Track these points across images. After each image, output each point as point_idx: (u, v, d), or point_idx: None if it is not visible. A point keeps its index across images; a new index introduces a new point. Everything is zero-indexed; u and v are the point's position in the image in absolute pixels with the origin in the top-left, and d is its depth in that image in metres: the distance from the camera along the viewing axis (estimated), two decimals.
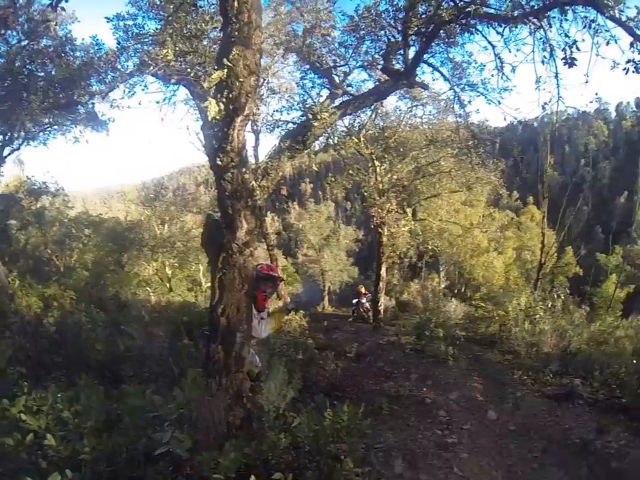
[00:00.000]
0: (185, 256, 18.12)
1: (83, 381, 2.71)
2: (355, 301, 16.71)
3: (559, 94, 4.71)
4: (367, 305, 15.63)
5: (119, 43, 6.03)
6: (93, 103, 6.82)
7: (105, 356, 5.47)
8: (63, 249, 13.97)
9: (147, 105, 5.23)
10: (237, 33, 3.08)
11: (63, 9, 4.22)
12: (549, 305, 8.93)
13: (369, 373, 7.57)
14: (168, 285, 17.44)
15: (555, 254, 21.11)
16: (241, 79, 3.10)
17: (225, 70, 3.03)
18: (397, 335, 10.57)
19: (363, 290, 16.37)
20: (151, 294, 14.88)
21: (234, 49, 3.03)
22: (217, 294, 3.58)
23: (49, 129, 9.20)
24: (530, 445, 4.88)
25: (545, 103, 4.87)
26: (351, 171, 13.36)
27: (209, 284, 15.83)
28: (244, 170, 3.47)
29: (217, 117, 3.08)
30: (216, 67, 3.21)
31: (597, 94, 4.81)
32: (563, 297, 9.38)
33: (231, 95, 3.11)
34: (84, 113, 7.89)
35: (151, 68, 4.36)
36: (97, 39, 6.53)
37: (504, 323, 9.69)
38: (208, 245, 3.78)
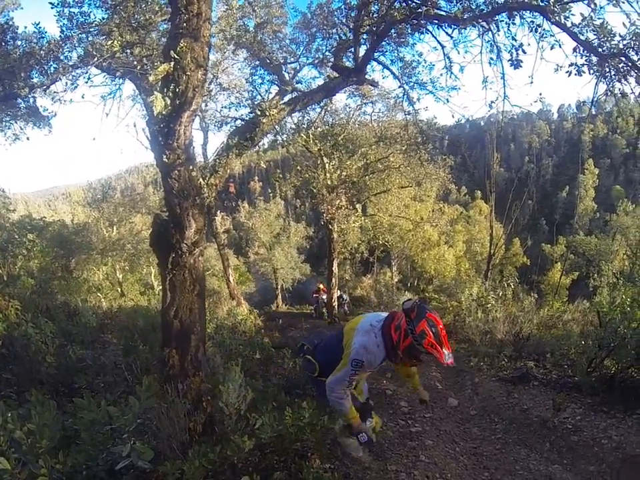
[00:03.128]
0: (135, 259, 17.38)
1: (33, 397, 2.50)
2: (315, 296, 16.71)
3: (505, 93, 4.93)
4: (341, 300, 15.59)
5: (62, 32, 5.62)
6: (34, 97, 6.32)
7: (57, 368, 5.17)
8: (5, 256, 12.94)
9: (90, 99, 4.93)
10: (185, 25, 2.96)
11: None
12: (500, 294, 9.35)
13: None
14: (119, 289, 16.67)
15: (503, 245, 22.15)
16: (188, 73, 2.98)
17: (172, 63, 2.90)
18: None
19: (322, 286, 16.37)
20: (102, 300, 14.12)
21: (182, 41, 2.91)
22: (169, 296, 3.46)
23: None
24: (492, 427, 5.10)
25: (492, 102, 5.08)
26: (299, 168, 13.36)
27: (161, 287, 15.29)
28: (191, 167, 3.35)
29: (163, 112, 2.95)
30: (162, 60, 3.06)
31: (540, 94, 5.04)
32: (513, 286, 9.86)
33: (177, 89, 2.99)
34: (24, 108, 7.33)
35: (95, 59, 4.09)
36: (40, 27, 6.02)
37: (457, 313, 10.02)
38: (157, 246, 3.62)
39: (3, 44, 6.45)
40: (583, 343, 6.33)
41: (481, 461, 4.32)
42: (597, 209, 74.33)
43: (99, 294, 14.79)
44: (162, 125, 3.05)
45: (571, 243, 33.64)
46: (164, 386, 2.97)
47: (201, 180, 3.38)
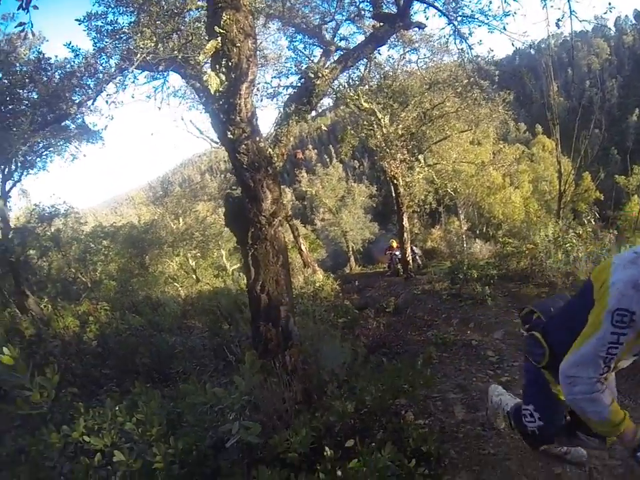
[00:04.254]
0: (205, 245, 18.24)
1: (137, 388, 2.67)
2: (389, 253, 16.52)
3: (570, 8, 4.40)
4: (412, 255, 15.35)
5: (95, 45, 5.78)
6: (82, 114, 6.65)
7: (150, 358, 5.51)
8: (86, 265, 14.17)
9: (139, 97, 5.06)
10: None
11: (32, 33, 4.00)
12: (580, 231, 8.74)
13: (410, 325, 7.52)
14: (194, 276, 17.63)
15: (573, 181, 20.53)
16: (238, 44, 2.92)
17: (219, 38, 2.85)
18: (430, 282, 10.49)
19: (394, 243, 15.99)
20: (180, 288, 15.06)
21: (224, 14, 2.84)
22: (253, 271, 3.50)
23: (44, 152, 9.07)
24: None
25: (559, 20, 4.56)
26: (352, 129, 13.04)
27: (235, 267, 15.87)
28: (258, 139, 3.33)
29: (220, 89, 2.92)
30: (208, 38, 3.01)
31: (610, 3, 4.46)
32: (593, 222, 9.17)
33: (230, 63, 2.94)
34: (75, 128, 7.77)
35: (135, 60, 4.15)
36: (73, 46, 6.23)
37: (534, 256, 9.51)
38: (234, 223, 3.67)
39: (42, 72, 6.77)
40: None
41: None
42: None
43: (175, 284, 15.79)
44: (221, 102, 3.04)
45: None
46: (262, 361, 3.07)
47: (269, 150, 3.35)
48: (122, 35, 5.44)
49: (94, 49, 5.84)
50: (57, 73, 6.74)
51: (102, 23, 5.61)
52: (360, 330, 6.68)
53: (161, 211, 18.18)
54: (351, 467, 2.18)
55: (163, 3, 4.70)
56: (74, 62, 6.40)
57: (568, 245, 8.42)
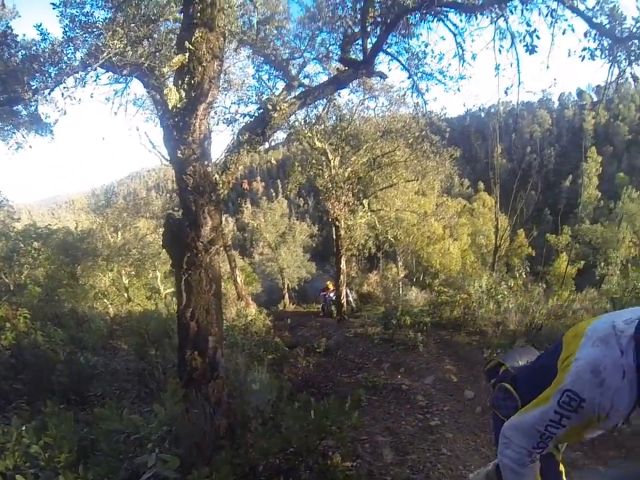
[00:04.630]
0: (141, 263, 17.39)
1: (49, 408, 2.41)
2: (322, 294, 16.58)
3: (519, 80, 4.87)
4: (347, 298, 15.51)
5: (65, 33, 5.52)
6: (36, 103, 6.24)
7: (68, 377, 5.10)
8: (12, 265, 12.95)
9: (97, 98, 4.83)
10: (199, 15, 2.89)
11: (3, 5, 3.77)
12: (511, 284, 9.28)
13: (341, 366, 7.56)
14: (126, 294, 16.65)
15: (509, 237, 22.03)
16: (204, 64, 2.91)
17: (187, 54, 2.82)
18: (363, 326, 10.55)
19: (330, 284, 16.16)
20: (109, 305, 14.14)
21: (196, 31, 2.84)
22: (184, 297, 3.38)
23: None
24: None
25: (507, 88, 5.02)
26: (301, 167, 13.28)
27: (168, 290, 15.12)
28: (206, 163, 3.27)
29: (178, 105, 2.87)
30: (176, 51, 2.98)
31: (555, 79, 5.01)
32: (524, 276, 9.79)
33: (192, 81, 2.91)
34: (26, 115, 7.26)
35: (102, 58, 4.00)
36: (42, 29, 5.89)
37: (467, 305, 9.93)
38: (171, 246, 3.54)
39: (5, 47, 6.35)
40: None
41: None
42: (601, 197, 73.72)
43: (105, 300, 14.79)
44: (177, 119, 2.98)
45: (576, 232, 33.44)
46: (185, 390, 2.90)
47: (216, 176, 3.29)
48: (94, 30, 5.24)
49: (63, 37, 5.58)
50: (20, 53, 6.33)
51: (77, 12, 5.36)
52: (289, 368, 6.59)
53: (101, 221, 17.20)
54: None
55: (143, 6, 4.63)
56: (40, 46, 6.04)
57: (500, 295, 8.88)
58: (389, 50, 5.99)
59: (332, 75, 7.86)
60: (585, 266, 29.20)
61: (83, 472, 2.07)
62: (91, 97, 4.57)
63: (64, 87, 4.84)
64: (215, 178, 3.28)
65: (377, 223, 15.85)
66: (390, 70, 6.33)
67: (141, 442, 2.37)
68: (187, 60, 2.86)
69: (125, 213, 18.02)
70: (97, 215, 17.76)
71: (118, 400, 4.23)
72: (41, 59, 5.61)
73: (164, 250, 3.76)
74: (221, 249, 3.52)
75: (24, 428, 2.23)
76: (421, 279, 25.11)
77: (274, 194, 68.50)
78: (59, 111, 5.45)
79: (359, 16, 5.68)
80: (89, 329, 7.93)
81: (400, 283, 20.23)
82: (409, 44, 5.96)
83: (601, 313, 7.62)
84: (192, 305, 3.32)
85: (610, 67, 4.35)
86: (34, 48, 6.12)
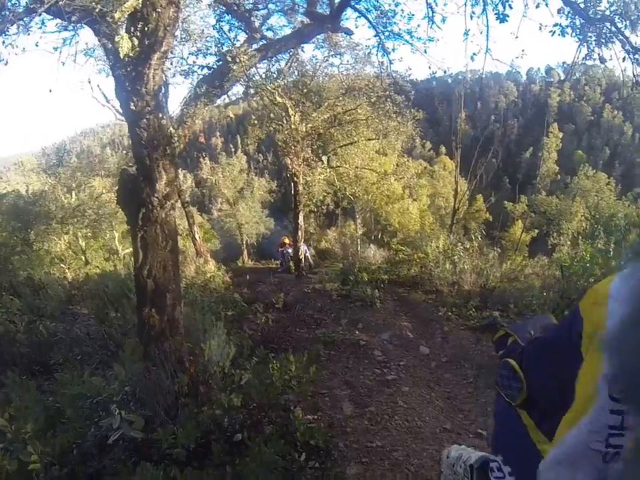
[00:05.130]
0: (97, 224, 16.67)
1: (10, 379, 2.34)
2: (280, 250, 16.55)
3: (487, 47, 4.87)
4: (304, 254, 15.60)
5: None
6: None
7: (29, 346, 5.01)
8: None
9: (43, 47, 4.43)
10: None
11: None
12: (467, 247, 9.64)
13: (299, 322, 7.62)
14: (83, 258, 16.07)
15: (467, 201, 22.69)
16: (159, 10, 2.70)
17: None
18: (321, 282, 10.59)
19: (287, 240, 16.18)
20: (67, 270, 13.61)
21: None
22: (141, 254, 3.29)
23: None
24: (463, 373, 5.38)
25: (474, 54, 5.02)
26: (261, 121, 12.97)
27: (127, 251, 14.71)
28: (160, 115, 3.12)
29: (130, 54, 2.68)
30: None
31: (523, 50, 5.05)
32: (480, 239, 10.17)
33: (146, 28, 2.71)
34: None
35: (46, 2, 3.64)
36: None
37: (424, 264, 10.24)
38: (125, 203, 3.40)
39: None
40: (544, 294, 6.71)
41: (455, 404, 4.59)
42: (559, 171, 77.27)
43: (62, 265, 14.20)
44: (129, 69, 2.78)
45: (532, 202, 34.91)
46: (145, 349, 2.89)
47: (171, 129, 3.15)
48: None
49: None
50: None
51: None
52: (248, 324, 6.64)
53: (53, 182, 16.25)
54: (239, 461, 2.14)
55: None
56: None
57: (456, 257, 9.21)
58: (357, 6, 5.81)
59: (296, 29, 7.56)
60: (539, 235, 30.68)
61: (51, 440, 2.05)
62: (36, 45, 4.19)
63: (5, 36, 4.40)
64: (170, 131, 3.13)
65: (335, 179, 15.89)
66: (357, 27, 6.24)
67: (105, 405, 2.38)
68: (140, 5, 2.65)
69: (79, 172, 17.11)
70: (49, 175, 16.80)
71: (80, 365, 4.20)
72: None
73: (120, 209, 3.62)
74: (178, 204, 3.43)
75: None
76: (379, 237, 25.39)
77: (233, 149, 66.55)
78: (1, 61, 4.99)
79: None
80: (47, 296, 7.68)
81: (358, 240, 20.52)
82: (378, 1, 5.80)
83: (550, 279, 8.13)
84: (148, 262, 3.24)
85: (579, 46, 4.43)
86: None
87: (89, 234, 16.92)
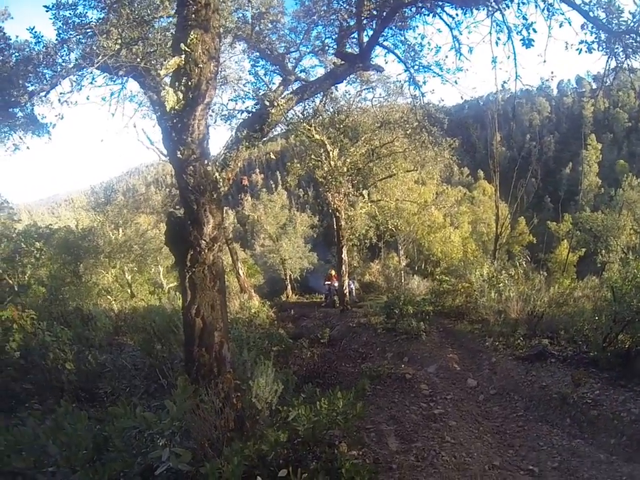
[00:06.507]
0: (143, 259, 17.51)
1: (63, 408, 2.47)
2: (327, 283, 16.53)
3: (516, 73, 4.88)
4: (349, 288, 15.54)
5: (59, 35, 5.51)
6: (32, 105, 6.25)
7: (77, 375, 5.18)
8: (14, 266, 13.01)
9: (94, 99, 4.86)
10: (194, 16, 2.90)
11: None
12: (512, 273, 9.33)
13: (345, 356, 7.64)
14: (129, 290, 16.76)
15: (509, 225, 22.03)
16: (201, 65, 2.92)
17: (183, 56, 2.84)
18: (366, 316, 10.61)
19: (334, 273, 16.14)
20: (113, 302, 14.22)
21: (192, 33, 2.85)
22: (189, 294, 3.43)
23: None
24: (512, 405, 5.14)
25: (505, 82, 5.07)
26: (300, 160, 13.32)
27: (171, 285, 15.19)
28: (206, 162, 3.31)
29: (176, 107, 2.89)
30: (172, 53, 3.00)
31: (552, 72, 5.02)
32: (524, 264, 9.83)
33: (190, 83, 2.93)
34: (22, 117, 7.24)
35: (100, 59, 4.00)
36: (36, 32, 5.87)
37: (469, 294, 10.00)
38: (173, 244, 3.58)
39: None
40: (596, 318, 6.35)
41: (504, 439, 4.38)
42: (601, 184, 74.03)
43: (109, 297, 14.86)
44: (175, 121, 3.00)
45: (576, 220, 33.36)
46: (194, 386, 2.96)
47: (216, 174, 3.33)
48: (88, 31, 5.23)
49: (57, 39, 5.56)
50: (14, 56, 6.31)
51: (70, 13, 5.38)
52: (294, 359, 6.65)
53: (101, 219, 17.24)
54: None
55: (136, 4, 4.62)
56: (34, 48, 6.03)
57: (501, 284, 8.94)
58: (385, 43, 6.00)
59: (329, 68, 7.84)
60: (586, 253, 29.19)
61: (99, 468, 2.13)
62: (87, 99, 4.58)
63: (60, 93, 4.84)
64: (215, 176, 3.31)
65: (377, 213, 15.96)
66: (387, 62, 6.38)
67: (152, 437, 2.44)
68: (183, 62, 2.87)
69: (125, 210, 18.07)
70: (97, 212, 17.78)
71: (127, 397, 4.32)
72: (35, 62, 5.59)
73: (168, 249, 3.80)
74: (223, 245, 3.56)
75: (41, 428, 2.27)
76: (422, 267, 25.19)
77: (273, 186, 68.41)
78: (57, 116, 5.46)
79: (354, 9, 5.67)
80: (95, 327, 7.99)
81: (402, 272, 20.30)
82: (405, 37, 5.97)
83: (602, 301, 7.72)
84: (197, 301, 3.37)
85: (607, 60, 4.38)
86: (27, 49, 6.10)
87: (135, 268, 17.67)
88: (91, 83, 4.95)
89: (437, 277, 14.69)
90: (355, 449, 3.52)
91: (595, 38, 4.29)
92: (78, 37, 5.28)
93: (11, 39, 6.27)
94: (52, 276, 14.29)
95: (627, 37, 4.11)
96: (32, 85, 5.95)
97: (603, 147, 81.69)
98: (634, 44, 4.16)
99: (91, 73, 4.75)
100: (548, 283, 9.66)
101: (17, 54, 6.10)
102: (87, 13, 5.36)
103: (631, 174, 46.08)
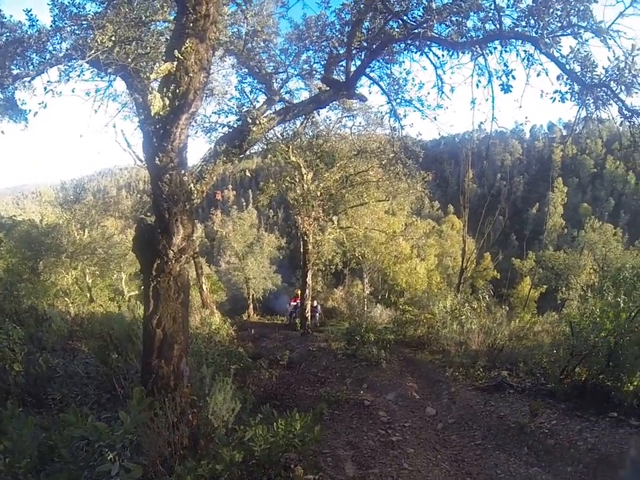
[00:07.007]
0: (106, 263, 16.85)
1: (9, 411, 2.33)
2: (292, 304, 16.42)
3: (493, 115, 5.14)
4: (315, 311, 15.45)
5: (54, 22, 5.40)
6: (15, 88, 6.04)
7: (26, 378, 4.93)
8: None
9: (78, 93, 4.74)
10: (192, 25, 2.92)
11: None
12: (474, 306, 9.57)
13: (303, 380, 7.58)
14: (88, 294, 16.07)
15: (475, 259, 22.69)
16: (191, 74, 2.93)
17: (175, 62, 2.84)
18: (327, 340, 10.62)
19: (299, 292, 16.18)
20: (70, 305, 13.59)
21: (187, 41, 2.87)
22: (152, 304, 3.35)
23: None
24: (470, 434, 5.20)
25: (481, 122, 5.32)
26: (274, 181, 13.39)
27: (132, 293, 14.74)
28: (183, 172, 3.29)
29: (161, 113, 2.87)
30: (165, 59, 2.99)
31: (526, 117, 5.31)
32: (487, 298, 10.10)
33: (178, 90, 2.92)
34: (1, 100, 6.98)
35: (93, 52, 3.94)
36: (32, 15, 5.72)
37: (431, 324, 10.16)
38: (141, 251, 3.51)
39: None
40: (555, 351, 6.60)
41: (462, 467, 4.42)
42: (565, 225, 78.14)
43: (66, 299, 14.20)
44: (158, 126, 2.97)
45: (540, 258, 34.79)
46: (150, 399, 2.86)
47: (192, 185, 3.30)
48: (84, 22, 5.14)
49: (51, 26, 5.44)
50: (4, 36, 6.09)
51: (69, 2, 5.28)
52: (252, 379, 6.55)
53: (68, 217, 16.59)
54: None
55: (135, 4, 4.59)
56: (27, 31, 5.85)
57: (463, 317, 9.13)
58: (371, 74, 6.15)
59: (313, 92, 7.97)
60: (547, 290, 30.34)
61: (44, 479, 2.02)
62: (72, 91, 4.47)
63: (47, 81, 4.71)
64: (190, 187, 3.29)
65: (345, 239, 16.06)
66: (370, 93, 6.49)
67: (102, 450, 2.33)
68: (174, 68, 2.87)
69: (94, 210, 17.51)
70: (65, 209, 17.16)
71: (77, 405, 4.11)
72: (26, 45, 5.44)
73: (131, 252, 3.71)
74: (190, 257, 3.52)
75: None
76: (386, 296, 25.32)
77: (244, 203, 68.08)
78: (40, 104, 5.31)
79: (345, 39, 5.83)
80: (49, 329, 7.64)
81: (365, 300, 20.46)
82: (391, 70, 6.16)
83: (560, 336, 8.01)
84: (159, 312, 3.30)
85: (579, 109, 4.68)
86: (19, 32, 5.91)
87: (97, 272, 17.03)
88: (79, 75, 4.84)
89: (400, 306, 14.88)
90: (311, 473, 3.47)
91: (569, 89, 4.59)
92: (73, 27, 5.18)
93: (5, 17, 6.07)
94: (9, 270, 13.54)
95: (599, 90, 4.42)
96: (18, 68, 5.76)
97: (569, 190, 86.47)
98: (604, 97, 4.48)
99: (81, 65, 4.66)
100: (509, 317, 9.95)
101: (8, 34, 5.90)
102: (85, 4, 5.29)
103: (593, 217, 48.81)
